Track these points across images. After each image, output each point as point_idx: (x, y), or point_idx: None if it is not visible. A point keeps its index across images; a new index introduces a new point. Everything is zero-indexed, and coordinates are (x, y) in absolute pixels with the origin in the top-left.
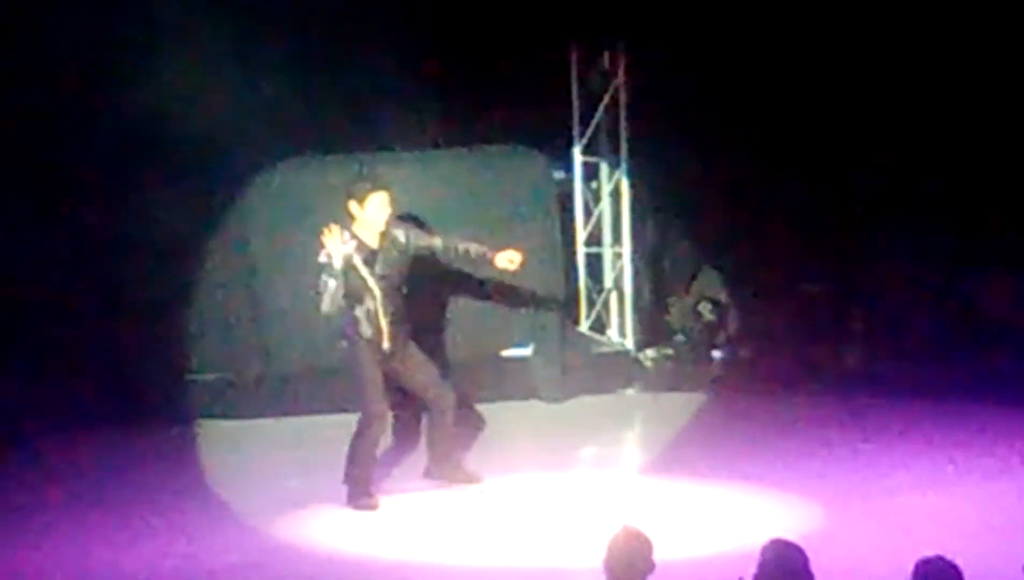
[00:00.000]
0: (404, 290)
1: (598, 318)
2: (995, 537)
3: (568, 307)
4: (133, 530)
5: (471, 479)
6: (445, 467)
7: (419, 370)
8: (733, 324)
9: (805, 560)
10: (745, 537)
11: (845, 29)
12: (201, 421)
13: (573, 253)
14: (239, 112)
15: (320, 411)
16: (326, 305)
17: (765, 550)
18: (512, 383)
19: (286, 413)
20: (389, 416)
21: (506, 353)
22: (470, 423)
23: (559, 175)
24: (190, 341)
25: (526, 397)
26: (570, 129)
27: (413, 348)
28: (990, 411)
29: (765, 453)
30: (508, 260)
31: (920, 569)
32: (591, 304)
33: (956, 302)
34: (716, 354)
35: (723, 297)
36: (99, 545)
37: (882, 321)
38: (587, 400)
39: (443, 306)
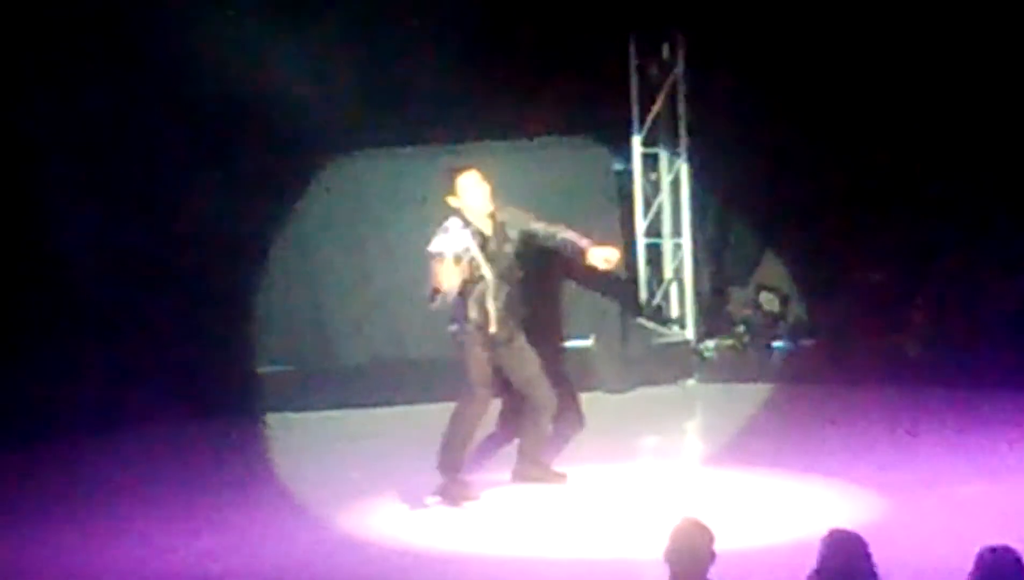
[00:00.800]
0: (518, 274)
1: (658, 309)
2: None
3: (628, 298)
4: (196, 522)
5: (557, 479)
6: (533, 469)
7: (526, 365)
8: (794, 314)
9: (866, 550)
10: (806, 528)
11: (906, 15)
12: (265, 414)
13: (633, 244)
14: (299, 108)
15: (382, 404)
16: (446, 285)
17: (826, 540)
18: (573, 374)
19: (348, 405)
20: (489, 403)
21: (567, 344)
22: (570, 422)
23: (618, 166)
24: (253, 335)
25: (587, 388)
26: (629, 120)
27: (523, 341)
28: None
29: (826, 443)
30: (605, 259)
31: (983, 558)
32: (651, 295)
33: (1018, 291)
34: (777, 344)
35: (784, 286)
36: (162, 536)
37: (945, 310)
38: (648, 391)
39: (555, 296)
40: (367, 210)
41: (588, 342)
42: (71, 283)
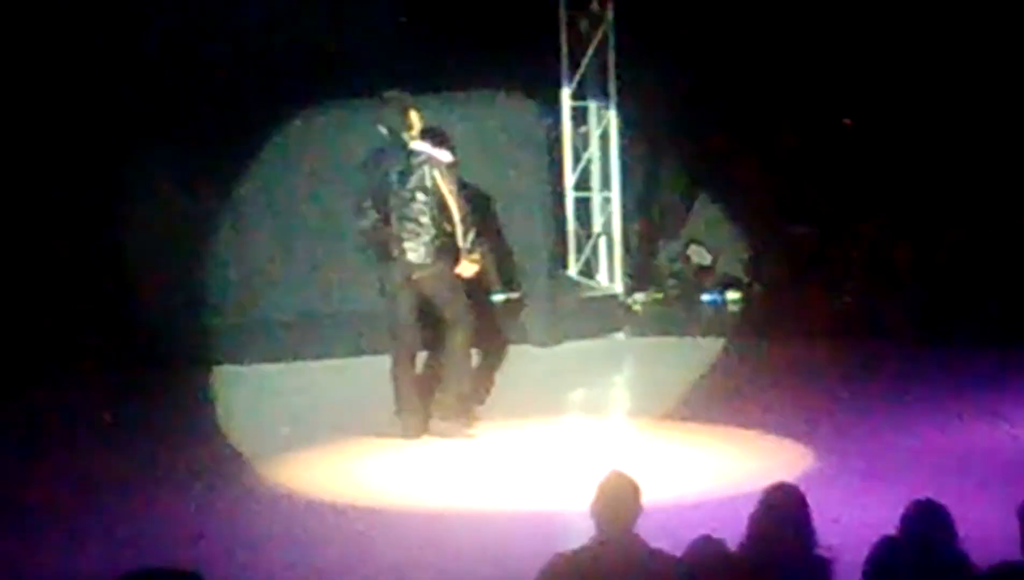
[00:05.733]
0: (436, 211)
1: (587, 263)
2: (986, 479)
3: (557, 252)
4: (122, 476)
5: (463, 434)
6: (455, 406)
7: (444, 287)
8: (722, 267)
9: (806, 505)
10: (734, 481)
11: None
12: (195, 368)
13: (562, 198)
14: (229, 66)
15: (311, 357)
16: (361, 212)
17: (768, 493)
18: (502, 328)
19: (277, 359)
20: (415, 341)
21: (496, 298)
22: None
23: (548, 120)
24: (185, 289)
25: (515, 342)
26: (559, 74)
27: (444, 267)
28: (982, 352)
29: (755, 396)
30: (464, 269)
31: (911, 511)
32: (580, 249)
33: (947, 245)
34: (706, 298)
35: (714, 240)
36: (90, 490)
37: (872, 264)
38: (576, 345)
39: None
40: (297, 165)
41: (516, 295)
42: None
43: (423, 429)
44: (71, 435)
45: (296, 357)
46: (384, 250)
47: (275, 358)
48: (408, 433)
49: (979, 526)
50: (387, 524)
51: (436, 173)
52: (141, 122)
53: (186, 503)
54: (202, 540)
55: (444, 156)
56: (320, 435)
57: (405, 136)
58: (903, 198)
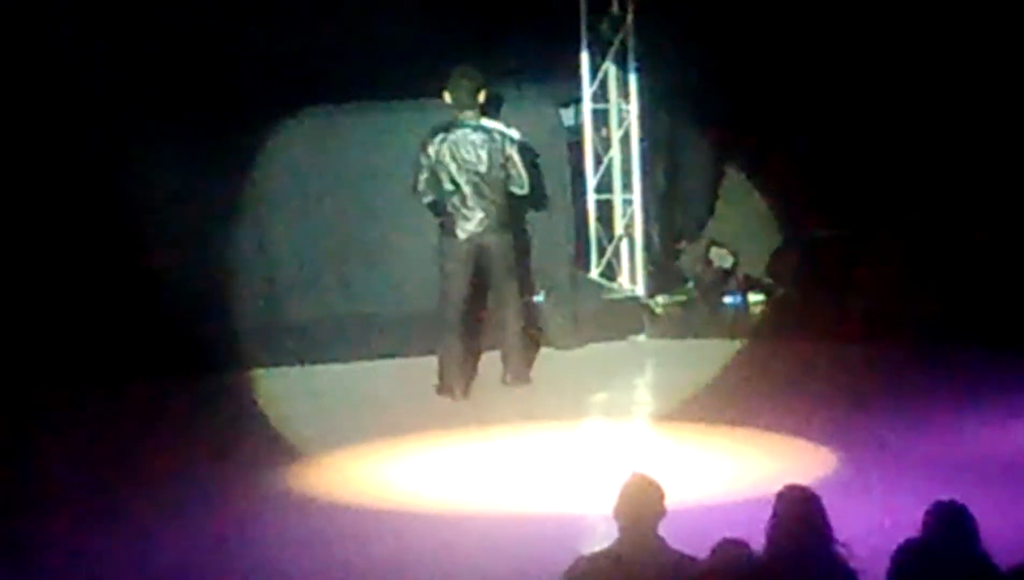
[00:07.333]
0: (504, 185)
1: (609, 265)
2: (1007, 480)
3: (578, 254)
4: (147, 479)
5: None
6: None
7: (506, 262)
8: (744, 270)
9: (820, 505)
10: (757, 483)
11: None
12: (217, 372)
13: (583, 200)
14: (248, 65)
15: (334, 360)
16: (419, 185)
17: (781, 495)
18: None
19: (298, 362)
20: (460, 334)
21: (534, 298)
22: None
23: (569, 122)
24: (207, 292)
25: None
26: (579, 75)
27: (510, 243)
28: (1006, 355)
29: (777, 399)
30: None
31: (933, 512)
32: (601, 251)
33: (974, 247)
34: (727, 300)
35: (735, 242)
36: (112, 495)
37: (897, 266)
38: (598, 347)
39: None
40: (319, 166)
41: (538, 298)
42: (22, 238)
43: (467, 390)
44: (95, 442)
45: (320, 360)
46: (446, 224)
47: (299, 361)
48: (455, 395)
49: (1001, 526)
50: (408, 526)
51: (511, 149)
52: (164, 125)
53: (210, 506)
54: (226, 542)
55: (514, 132)
56: (345, 438)
57: (469, 112)
58: (929, 200)
